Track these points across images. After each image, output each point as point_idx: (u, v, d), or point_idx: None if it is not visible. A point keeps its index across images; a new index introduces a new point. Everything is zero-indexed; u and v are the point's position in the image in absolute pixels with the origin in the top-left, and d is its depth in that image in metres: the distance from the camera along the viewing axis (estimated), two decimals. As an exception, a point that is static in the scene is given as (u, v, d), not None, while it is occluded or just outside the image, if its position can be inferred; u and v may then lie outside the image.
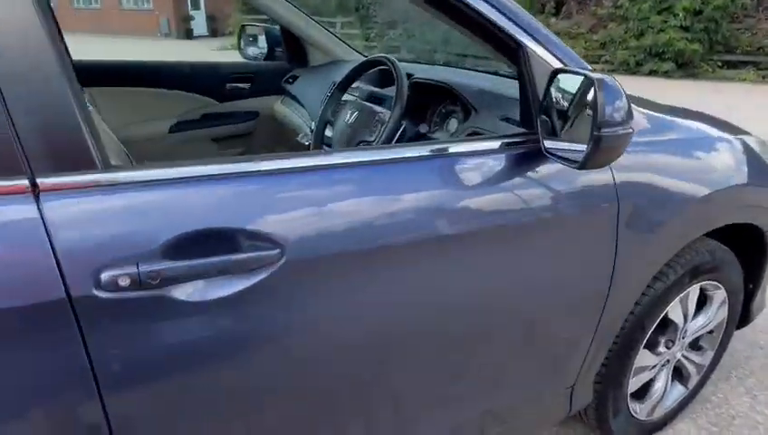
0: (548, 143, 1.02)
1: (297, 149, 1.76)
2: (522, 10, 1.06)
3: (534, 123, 1.03)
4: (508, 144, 1.05)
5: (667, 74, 10.41)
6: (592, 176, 1.09)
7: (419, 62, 2.15)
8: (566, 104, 0.99)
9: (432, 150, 0.97)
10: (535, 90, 1.05)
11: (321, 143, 1.59)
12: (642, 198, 1.17)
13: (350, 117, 1.47)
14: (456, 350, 1.05)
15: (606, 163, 0.98)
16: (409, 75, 1.57)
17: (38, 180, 0.67)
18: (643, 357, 1.43)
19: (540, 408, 1.32)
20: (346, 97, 1.64)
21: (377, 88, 1.75)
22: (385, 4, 12.67)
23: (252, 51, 2.52)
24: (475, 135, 1.30)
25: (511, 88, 1.42)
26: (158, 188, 0.74)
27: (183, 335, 0.76)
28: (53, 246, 0.66)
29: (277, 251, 0.77)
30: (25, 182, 0.66)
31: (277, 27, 2.37)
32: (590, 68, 1.05)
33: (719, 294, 1.54)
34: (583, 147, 0.92)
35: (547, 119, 1.01)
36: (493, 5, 1.01)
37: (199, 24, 21.75)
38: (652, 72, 10.60)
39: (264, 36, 2.44)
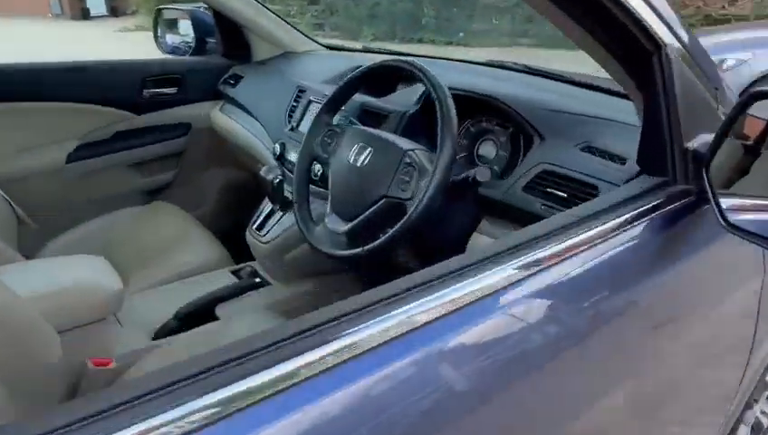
0: (730, 213, 0.63)
1: (260, 187, 1.22)
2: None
3: (680, 168, 0.74)
4: (651, 208, 0.70)
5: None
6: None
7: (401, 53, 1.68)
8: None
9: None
10: (677, 116, 0.73)
11: (306, 193, 1.06)
12: None
13: (360, 157, 0.95)
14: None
15: None
16: (409, 76, 1.08)
17: None
18: None
19: None
20: (336, 119, 1.10)
21: (370, 97, 1.25)
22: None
23: (173, 42, 1.95)
24: (552, 176, 0.90)
25: (576, 98, 1.03)
26: None
27: None
28: None
29: None
30: None
31: (206, 9, 1.81)
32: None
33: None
34: None
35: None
36: None
37: (96, 2, 19.81)
38: None
39: (189, 22, 1.86)
